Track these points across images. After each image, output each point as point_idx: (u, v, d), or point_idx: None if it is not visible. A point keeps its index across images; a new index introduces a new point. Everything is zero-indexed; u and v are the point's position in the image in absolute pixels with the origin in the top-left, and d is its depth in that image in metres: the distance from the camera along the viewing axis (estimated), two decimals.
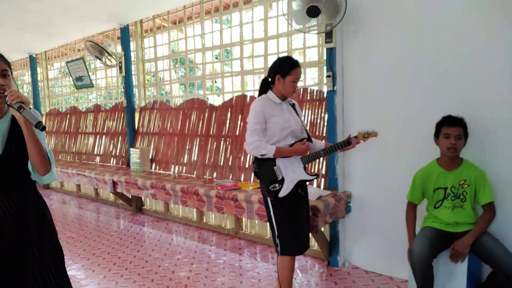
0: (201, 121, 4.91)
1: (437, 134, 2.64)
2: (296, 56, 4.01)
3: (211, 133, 4.77)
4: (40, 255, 1.77)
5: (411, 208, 2.80)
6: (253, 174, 2.66)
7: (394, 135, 3.12)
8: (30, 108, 1.60)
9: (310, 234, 2.90)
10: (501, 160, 2.68)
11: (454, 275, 2.59)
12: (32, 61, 7.76)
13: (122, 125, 6.08)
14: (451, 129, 2.54)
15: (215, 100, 4.98)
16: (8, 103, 1.59)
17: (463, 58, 2.79)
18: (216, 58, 5.03)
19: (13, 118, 1.72)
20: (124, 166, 5.82)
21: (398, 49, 3.10)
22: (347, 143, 2.61)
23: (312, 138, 2.74)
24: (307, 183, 2.71)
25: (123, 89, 5.75)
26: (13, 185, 1.71)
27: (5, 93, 1.60)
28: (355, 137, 2.63)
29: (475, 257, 2.55)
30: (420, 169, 2.75)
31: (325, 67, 3.54)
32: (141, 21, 5.75)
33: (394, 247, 3.17)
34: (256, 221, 4.26)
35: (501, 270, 2.35)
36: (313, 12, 3.03)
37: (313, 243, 3.69)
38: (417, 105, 3.02)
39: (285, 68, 2.52)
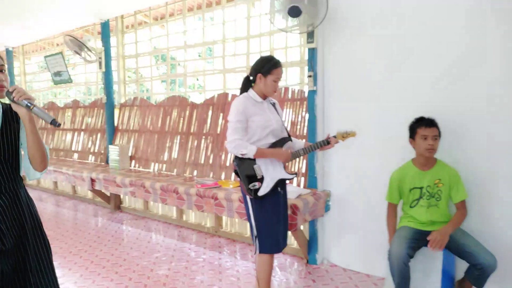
0: (182, 119, 4.88)
1: (412, 136, 2.69)
2: (278, 55, 4.04)
3: (192, 131, 4.75)
4: (35, 251, 1.76)
5: (392, 208, 2.84)
6: (233, 172, 2.66)
7: (371, 135, 3.18)
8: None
9: (289, 232, 2.93)
10: (472, 159, 2.76)
11: (430, 273, 2.65)
12: (9, 55, 7.57)
13: (101, 122, 5.99)
14: (429, 130, 2.60)
15: (198, 98, 4.95)
16: (15, 100, 1.58)
17: (437, 61, 2.87)
18: (199, 55, 5.00)
19: (4, 114, 1.70)
20: (103, 163, 5.74)
21: (376, 51, 3.16)
22: (326, 143, 2.65)
23: (292, 138, 2.77)
24: (287, 181, 2.73)
25: (102, 85, 5.67)
26: (6, 181, 1.69)
27: (10, 90, 1.60)
28: (334, 136, 2.67)
29: (449, 254, 2.61)
30: (396, 169, 2.81)
31: (306, 67, 3.57)
32: (122, 17, 5.67)
33: (371, 245, 3.22)
34: (236, 220, 4.26)
35: (476, 263, 2.41)
36: (294, 12, 3.05)
37: (292, 241, 3.72)
38: (393, 106, 3.09)
39: (266, 68, 2.53)
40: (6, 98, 1.64)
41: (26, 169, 1.77)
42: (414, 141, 2.68)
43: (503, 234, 2.68)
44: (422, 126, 2.61)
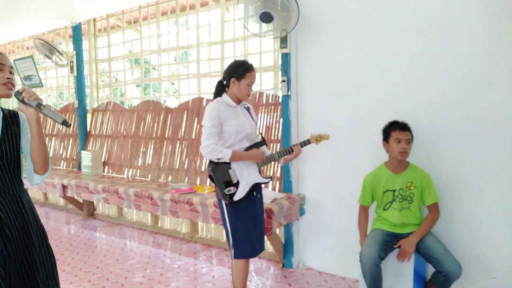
0: (156, 124, 4.82)
1: (386, 139, 2.74)
2: (252, 60, 4.05)
3: (166, 135, 4.70)
4: (41, 261, 1.78)
5: (363, 211, 2.89)
6: (208, 178, 2.64)
7: (345, 139, 3.23)
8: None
9: (265, 236, 2.93)
10: (443, 163, 2.84)
11: (402, 275, 2.70)
12: None
13: (73, 127, 5.86)
14: (402, 133, 2.65)
15: (174, 103, 4.91)
16: (25, 100, 1.62)
17: (410, 66, 2.94)
18: (174, 59, 4.96)
19: (4, 119, 1.69)
20: (75, 170, 5.61)
21: (348, 56, 3.21)
22: (289, 151, 2.64)
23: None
24: (263, 185, 2.73)
25: (74, 90, 5.55)
26: (8, 184, 1.67)
27: (20, 90, 1.63)
28: (307, 141, 2.67)
29: (420, 257, 2.67)
30: (369, 172, 2.86)
31: (280, 72, 3.59)
32: (94, 20, 5.58)
33: (346, 248, 3.26)
34: (212, 225, 4.24)
35: (442, 271, 2.49)
36: (266, 18, 3.07)
37: (268, 246, 3.73)
38: (366, 110, 3.14)
39: (240, 71, 2.53)
40: (15, 98, 1.67)
41: (29, 173, 1.76)
42: (388, 144, 2.73)
43: (469, 238, 2.77)
44: (396, 130, 2.66)
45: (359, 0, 3.14)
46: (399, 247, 2.65)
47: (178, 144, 4.57)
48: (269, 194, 3.36)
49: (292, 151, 2.64)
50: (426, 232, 2.64)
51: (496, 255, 2.69)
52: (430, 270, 2.83)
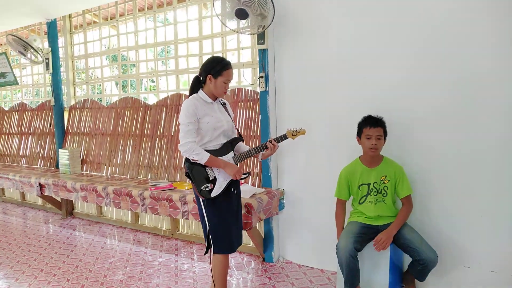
0: (134, 121, 4.79)
1: (359, 134, 2.80)
2: (230, 56, 4.06)
3: (145, 132, 4.67)
4: None
5: (340, 205, 2.93)
6: (185, 175, 2.64)
7: (321, 134, 3.28)
8: None
9: (244, 231, 2.95)
10: (418, 155, 2.91)
11: (378, 266, 2.76)
12: None
13: (50, 125, 5.76)
14: (372, 130, 2.70)
15: (154, 100, 4.88)
16: None
17: (385, 61, 2.99)
18: (154, 56, 4.92)
19: None
20: (53, 168, 5.53)
21: (324, 52, 3.25)
22: (263, 148, 2.64)
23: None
24: (242, 181, 2.74)
25: (50, 87, 5.45)
26: None
27: None
28: (282, 137, 2.69)
29: (396, 248, 2.74)
30: (344, 167, 2.91)
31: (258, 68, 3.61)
32: (70, 16, 5.49)
33: (324, 241, 3.31)
34: (193, 221, 4.24)
35: (419, 259, 2.55)
36: (241, 14, 3.08)
37: (249, 240, 3.76)
38: (342, 105, 3.19)
39: (217, 69, 2.52)
40: None
41: None
42: (360, 139, 2.78)
43: (442, 229, 2.85)
44: (367, 126, 2.72)
45: None
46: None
47: (157, 141, 4.55)
48: (248, 189, 3.38)
49: (265, 148, 2.64)
50: (402, 223, 2.70)
51: (469, 245, 2.78)
52: (405, 262, 2.91)
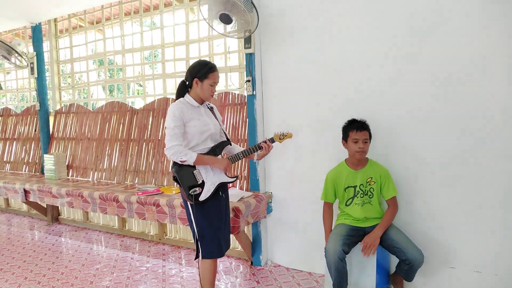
0: (121, 125, 4.75)
1: (345, 138, 2.81)
2: (218, 60, 4.06)
3: (132, 137, 4.64)
4: None
5: (327, 207, 2.95)
6: (172, 179, 2.63)
7: (308, 137, 3.30)
8: None
9: (230, 235, 2.94)
10: (403, 157, 2.94)
11: (365, 268, 2.78)
12: None
13: (35, 130, 5.68)
14: (359, 133, 2.72)
15: (141, 104, 4.85)
16: None
17: (370, 65, 3.02)
18: (142, 60, 4.89)
19: None
20: (38, 174, 5.46)
21: (310, 56, 3.28)
22: (257, 148, 2.67)
23: (232, 143, 2.80)
24: (230, 184, 2.74)
25: (36, 92, 5.39)
26: None
27: None
28: (271, 139, 2.71)
29: (383, 249, 2.76)
30: (330, 170, 2.92)
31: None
32: (55, 20, 5.44)
33: (312, 244, 3.33)
34: (180, 226, 4.22)
35: (405, 259, 2.58)
36: (225, 19, 3.09)
37: (237, 244, 3.75)
38: (328, 109, 3.22)
39: (203, 72, 2.52)
40: None
41: None
42: (346, 143, 2.80)
43: (428, 230, 2.89)
44: (354, 130, 2.73)
45: (321, 2, 3.20)
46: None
47: (144, 146, 4.52)
48: (236, 193, 3.38)
49: (259, 148, 2.66)
50: (388, 224, 2.73)
51: (454, 246, 2.82)
52: (392, 263, 2.93)
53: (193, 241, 4.06)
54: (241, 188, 3.75)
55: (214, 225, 2.57)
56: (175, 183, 2.61)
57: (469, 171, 2.74)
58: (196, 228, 2.57)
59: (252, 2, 3.09)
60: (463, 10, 2.67)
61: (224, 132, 2.74)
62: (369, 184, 2.77)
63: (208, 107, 2.67)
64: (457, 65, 2.72)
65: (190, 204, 2.56)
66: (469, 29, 2.67)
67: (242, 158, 2.74)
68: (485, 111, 2.66)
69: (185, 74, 2.63)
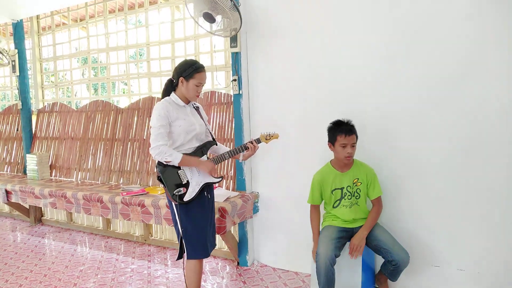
0: (106, 124, 4.68)
1: (332, 141, 2.74)
2: (204, 59, 4.03)
3: (117, 136, 4.57)
4: None
5: (314, 209, 2.92)
6: (157, 179, 2.60)
7: (294, 137, 3.29)
8: None
9: (218, 235, 2.93)
10: (387, 159, 2.96)
11: (351, 267, 2.78)
12: None
13: (17, 129, 5.57)
14: (348, 138, 2.66)
15: (126, 103, 4.79)
16: None
17: (356, 65, 3.03)
18: (129, 58, 4.83)
19: None
20: (20, 174, 5.35)
21: (295, 56, 3.27)
22: (243, 148, 2.66)
23: (218, 143, 2.78)
24: (216, 184, 2.72)
25: (17, 90, 5.28)
26: None
27: None
28: (257, 140, 2.70)
29: (368, 249, 2.77)
30: (316, 172, 2.89)
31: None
32: (38, 17, 5.33)
33: (298, 244, 3.32)
34: (166, 226, 4.17)
35: (391, 260, 2.58)
36: (208, 18, 3.07)
37: (223, 245, 3.73)
38: (314, 109, 3.22)
39: (189, 71, 2.50)
40: None
41: None
42: (333, 146, 2.74)
43: (413, 230, 2.91)
44: (342, 134, 2.66)
45: (308, 2, 3.19)
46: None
47: (129, 145, 4.46)
48: (222, 193, 3.36)
49: (246, 149, 2.65)
50: (373, 225, 2.73)
51: (438, 245, 2.84)
52: (378, 262, 2.95)
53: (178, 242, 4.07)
54: (227, 188, 3.73)
55: (199, 226, 2.55)
56: (160, 183, 2.58)
57: (454, 172, 2.76)
58: (181, 229, 2.55)
59: (233, 2, 3.06)
60: (456, 11, 2.67)
61: (210, 132, 2.73)
62: (356, 185, 2.77)
63: (194, 107, 2.65)
64: (448, 69, 2.71)
65: (175, 204, 2.53)
66: (462, 30, 2.66)
67: (228, 159, 2.72)
68: (475, 112, 2.66)
69: (172, 72, 2.60)
